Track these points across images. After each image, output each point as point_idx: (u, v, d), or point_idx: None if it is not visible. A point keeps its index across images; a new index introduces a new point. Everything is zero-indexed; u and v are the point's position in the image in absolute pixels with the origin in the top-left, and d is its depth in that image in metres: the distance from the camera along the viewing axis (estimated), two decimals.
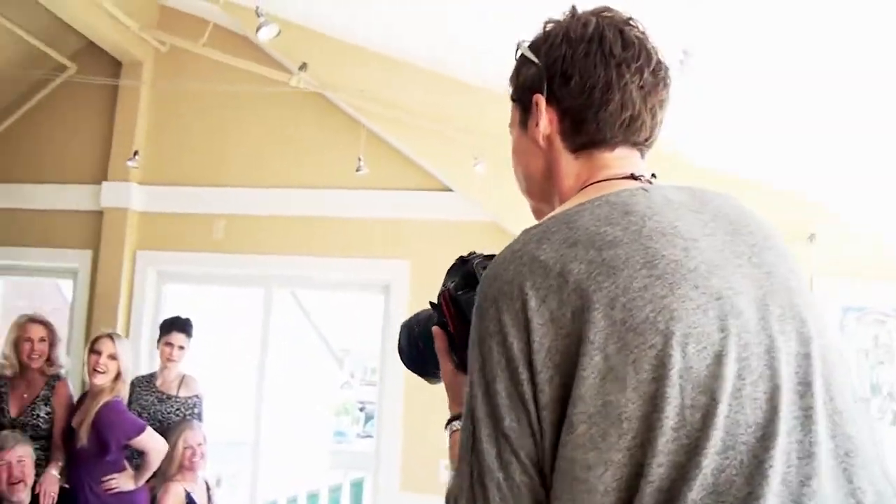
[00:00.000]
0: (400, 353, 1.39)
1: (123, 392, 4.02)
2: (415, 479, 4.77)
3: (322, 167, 5.13)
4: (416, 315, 1.38)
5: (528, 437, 0.97)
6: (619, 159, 1.16)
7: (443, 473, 4.62)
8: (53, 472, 3.84)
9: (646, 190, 1.09)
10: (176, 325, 4.57)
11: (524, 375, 0.96)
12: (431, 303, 1.26)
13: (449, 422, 1.21)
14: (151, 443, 4.01)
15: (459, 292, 1.19)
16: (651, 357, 0.93)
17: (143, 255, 5.37)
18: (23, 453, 3.67)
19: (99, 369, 3.94)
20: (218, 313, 7.32)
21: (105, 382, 3.96)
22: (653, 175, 1.17)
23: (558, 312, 0.96)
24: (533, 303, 0.97)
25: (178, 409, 4.47)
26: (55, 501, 3.76)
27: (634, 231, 1.01)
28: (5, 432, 3.81)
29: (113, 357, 3.98)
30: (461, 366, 1.18)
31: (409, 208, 4.98)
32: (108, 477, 3.96)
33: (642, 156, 1.20)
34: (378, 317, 5.13)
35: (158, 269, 5.40)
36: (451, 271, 1.25)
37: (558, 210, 1.09)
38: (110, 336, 4.07)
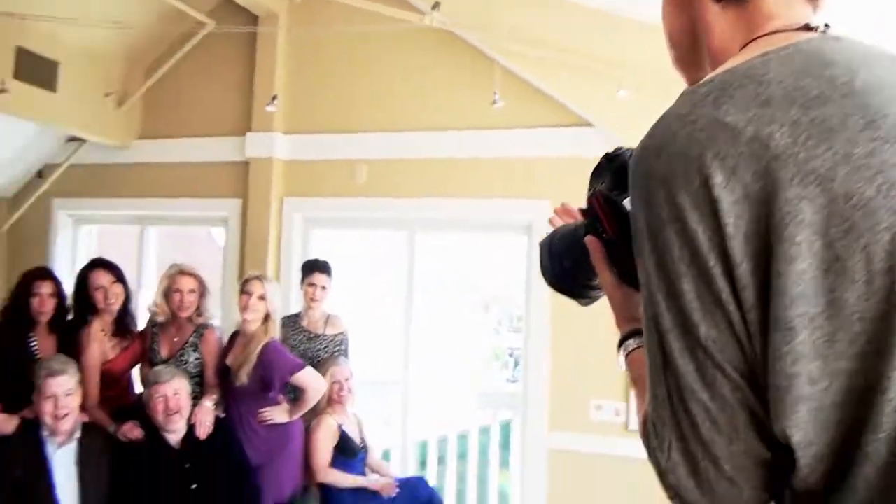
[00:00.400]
0: (543, 273, 1.23)
1: (274, 331, 4.15)
2: (563, 419, 4.72)
3: (458, 108, 5.07)
4: (555, 231, 1.22)
5: (732, 345, 0.80)
6: (785, 6, 0.93)
7: (593, 413, 4.55)
8: (208, 404, 4.02)
9: (837, 39, 0.89)
10: (317, 267, 4.69)
11: (717, 269, 0.79)
12: (582, 209, 1.12)
13: (621, 343, 1.04)
14: (310, 380, 4.14)
15: (614, 193, 1.03)
16: (886, 242, 0.75)
17: (290, 201, 5.51)
18: (178, 386, 3.85)
19: (249, 310, 4.09)
20: (363, 257, 7.46)
21: (256, 322, 4.11)
22: (826, 25, 0.93)
23: (755, 186, 0.77)
24: (719, 177, 0.78)
25: (325, 347, 4.61)
26: (210, 431, 3.93)
27: (844, 84, 0.81)
28: (161, 367, 4.02)
29: (262, 297, 4.11)
30: (625, 276, 1.02)
31: (547, 146, 4.86)
32: (264, 410, 4.13)
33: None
34: (522, 259, 5.07)
35: (304, 214, 5.53)
36: (597, 172, 1.11)
37: (727, 65, 0.88)
38: (259, 278, 4.21)
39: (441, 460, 6.08)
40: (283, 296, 4.58)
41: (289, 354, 4.21)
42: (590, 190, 1.09)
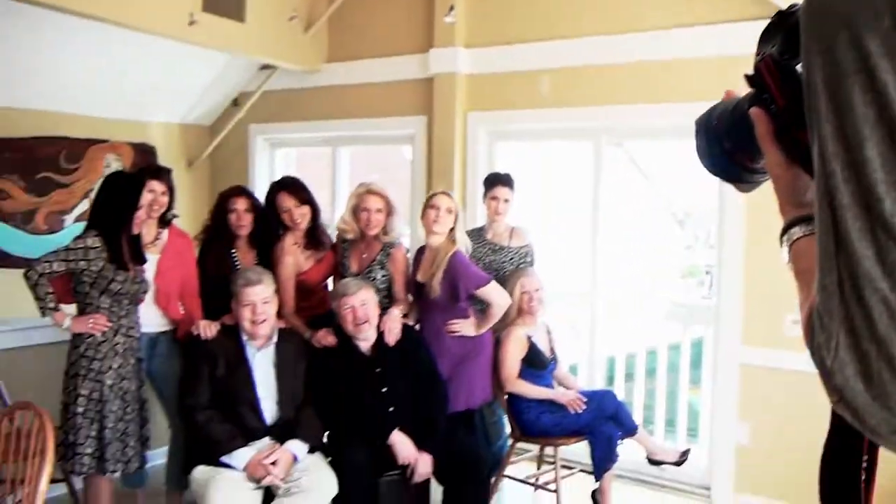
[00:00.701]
0: (700, 156, 1.08)
1: (460, 244, 4.17)
2: (756, 334, 4.49)
3: (643, 8, 4.80)
4: (713, 108, 1.07)
5: None
6: None
7: (788, 327, 4.30)
8: (396, 312, 4.11)
9: None
10: (499, 180, 4.66)
11: None
12: (747, 77, 0.95)
13: (784, 231, 0.91)
14: (495, 295, 4.15)
15: (784, 57, 0.89)
16: None
17: (474, 116, 5.48)
18: (365, 297, 3.95)
19: (436, 224, 4.12)
20: (549, 169, 7.36)
21: (442, 236, 4.15)
22: None
23: None
24: None
25: (510, 259, 4.60)
26: (399, 338, 4.03)
27: None
28: (348, 279, 4.15)
29: (449, 211, 4.14)
30: (795, 154, 0.88)
31: (739, 44, 4.48)
32: (453, 322, 4.18)
33: None
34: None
35: (488, 128, 5.50)
36: (766, 36, 0.94)
37: None
38: (445, 192, 4.23)
39: (629, 377, 6.00)
40: (468, 210, 4.58)
41: (474, 267, 4.22)
42: (757, 55, 0.94)
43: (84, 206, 6.07)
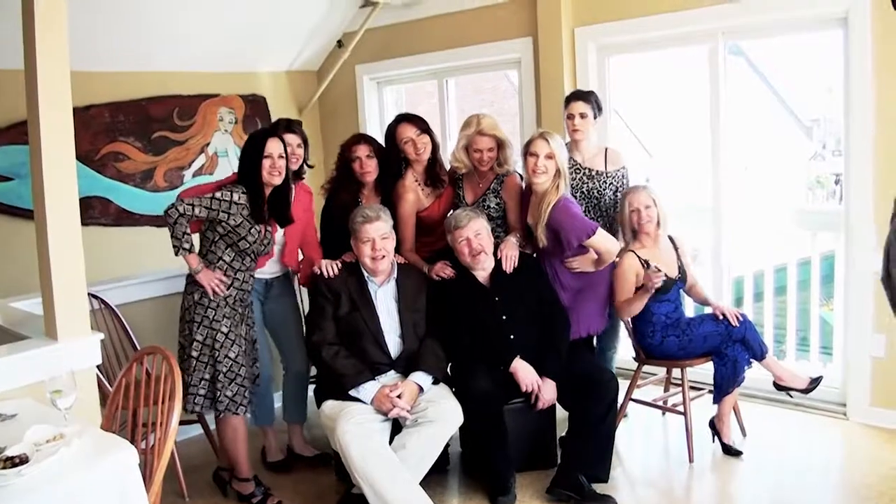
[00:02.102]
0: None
1: (565, 186, 4.01)
2: None
3: None
4: None
5: None
6: None
7: None
8: (512, 240, 4.05)
9: None
10: (573, 95, 4.47)
11: None
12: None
13: None
14: (602, 243, 3.97)
15: None
16: None
17: (582, 31, 5.28)
18: (478, 227, 3.91)
19: (538, 172, 3.97)
20: (666, 80, 7.08)
21: (546, 183, 3.98)
22: None
23: None
24: None
25: (609, 184, 4.41)
26: (516, 265, 3.97)
27: None
28: (459, 211, 4.09)
29: (549, 157, 3.97)
30: None
31: None
32: (571, 259, 4.08)
33: None
34: (839, 66, 4.47)
35: (598, 43, 5.29)
36: None
37: None
38: (543, 136, 4.01)
39: (757, 296, 5.77)
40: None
41: (579, 216, 4.00)
42: None
43: (202, 160, 6.25)
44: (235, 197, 3.68)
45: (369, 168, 4.25)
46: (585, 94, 4.47)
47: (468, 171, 4.30)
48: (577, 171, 4.42)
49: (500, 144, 4.21)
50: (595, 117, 4.44)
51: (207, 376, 3.75)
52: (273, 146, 3.75)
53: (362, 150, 4.26)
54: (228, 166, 6.30)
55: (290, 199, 3.93)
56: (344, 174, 4.31)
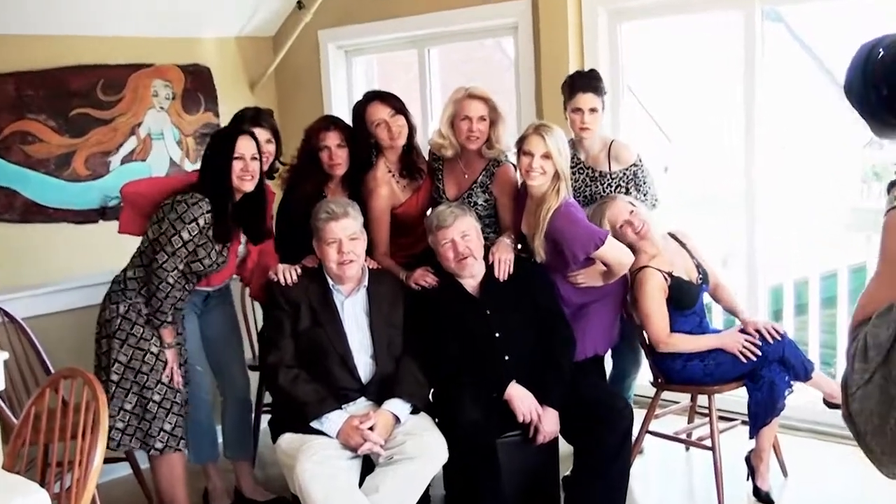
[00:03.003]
0: (847, 92, 1.15)
1: (566, 188, 4.02)
2: None
3: None
4: (882, 38, 1.10)
5: None
6: None
7: None
8: (506, 241, 4.07)
9: None
10: (580, 84, 4.35)
11: None
12: None
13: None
14: (614, 255, 3.99)
15: None
16: None
17: None
18: (465, 227, 3.89)
19: (533, 173, 3.96)
20: (689, 51, 7.13)
21: (543, 185, 3.98)
22: None
23: None
24: None
25: (616, 187, 4.39)
26: (511, 271, 3.98)
27: None
28: (443, 207, 4.03)
29: (546, 156, 3.95)
30: None
31: None
32: (575, 273, 4.09)
33: None
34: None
35: (609, 6, 5.33)
36: None
37: None
38: (539, 130, 3.99)
39: (800, 308, 5.83)
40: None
41: (584, 222, 4.01)
42: None
43: (132, 143, 6.24)
44: (202, 222, 3.70)
45: (339, 160, 4.24)
46: (594, 81, 4.36)
47: (454, 153, 4.28)
48: (581, 172, 4.42)
49: (494, 118, 4.21)
50: (603, 108, 4.40)
51: (129, 406, 3.75)
52: (244, 146, 3.76)
53: (332, 139, 4.23)
54: (164, 151, 6.31)
55: (265, 208, 3.94)
56: (307, 163, 4.29)
